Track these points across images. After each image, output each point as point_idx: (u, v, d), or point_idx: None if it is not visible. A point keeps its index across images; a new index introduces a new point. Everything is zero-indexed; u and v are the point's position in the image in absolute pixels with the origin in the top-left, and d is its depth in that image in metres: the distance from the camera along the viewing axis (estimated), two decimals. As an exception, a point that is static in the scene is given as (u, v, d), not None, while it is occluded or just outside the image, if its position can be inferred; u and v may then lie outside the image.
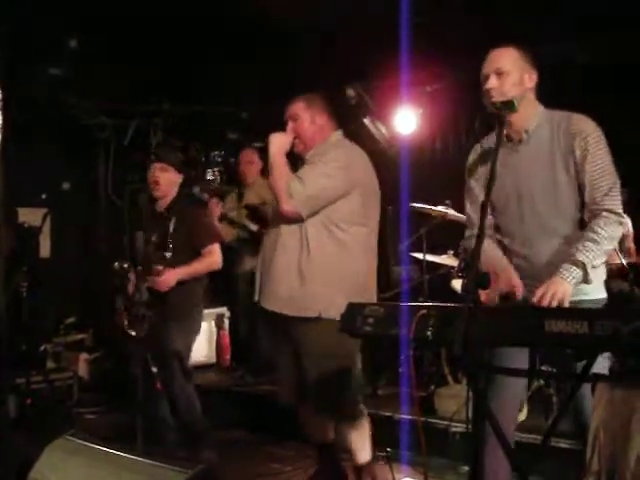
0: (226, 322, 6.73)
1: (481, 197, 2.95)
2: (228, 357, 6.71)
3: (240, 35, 5.84)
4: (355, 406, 3.50)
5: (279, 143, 3.55)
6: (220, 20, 5.66)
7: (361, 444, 3.53)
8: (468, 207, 3.10)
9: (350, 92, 5.99)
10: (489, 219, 2.97)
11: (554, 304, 2.60)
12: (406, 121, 6.10)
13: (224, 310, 6.72)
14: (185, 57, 6.12)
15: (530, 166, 2.88)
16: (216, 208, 5.58)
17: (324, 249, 3.39)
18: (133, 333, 4.10)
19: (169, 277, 4.17)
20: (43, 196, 4.62)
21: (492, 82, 2.85)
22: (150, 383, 4.00)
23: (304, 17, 5.48)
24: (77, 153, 6.96)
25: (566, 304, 2.62)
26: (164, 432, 4.31)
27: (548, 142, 2.85)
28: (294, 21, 5.52)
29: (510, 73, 2.85)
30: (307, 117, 3.56)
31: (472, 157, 3.10)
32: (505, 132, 2.89)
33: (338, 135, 3.63)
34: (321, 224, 3.40)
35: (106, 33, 5.68)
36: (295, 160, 3.66)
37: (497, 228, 3.02)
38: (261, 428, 5.22)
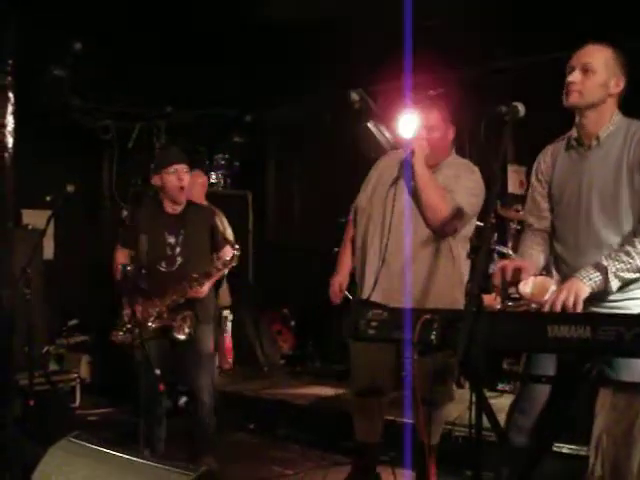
0: (229, 325, 6.73)
1: (541, 202, 2.92)
2: (230, 360, 6.72)
3: (244, 38, 5.85)
4: None
5: (423, 150, 3.43)
6: (224, 23, 5.67)
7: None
8: (527, 210, 3.02)
9: (354, 96, 5.97)
10: (547, 220, 2.90)
11: (569, 303, 2.49)
12: (409, 125, 6.09)
13: (226, 313, 6.72)
14: (189, 59, 6.13)
15: (594, 174, 2.72)
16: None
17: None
18: (119, 337, 4.14)
19: (206, 288, 4.19)
20: (48, 198, 4.62)
21: (576, 76, 2.68)
22: (153, 385, 3.99)
23: (307, 20, 5.49)
24: (81, 155, 6.96)
25: (580, 304, 2.50)
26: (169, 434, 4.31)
27: (618, 152, 2.69)
28: (297, 24, 5.53)
29: (597, 72, 2.67)
30: (442, 130, 3.57)
31: (541, 157, 2.97)
32: (577, 135, 2.79)
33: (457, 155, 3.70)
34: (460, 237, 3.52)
35: (110, 35, 5.69)
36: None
37: (553, 232, 2.89)
38: (263, 431, 5.23)
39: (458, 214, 3.36)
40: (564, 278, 2.72)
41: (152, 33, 5.71)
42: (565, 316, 2.38)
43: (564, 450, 3.72)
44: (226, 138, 7.31)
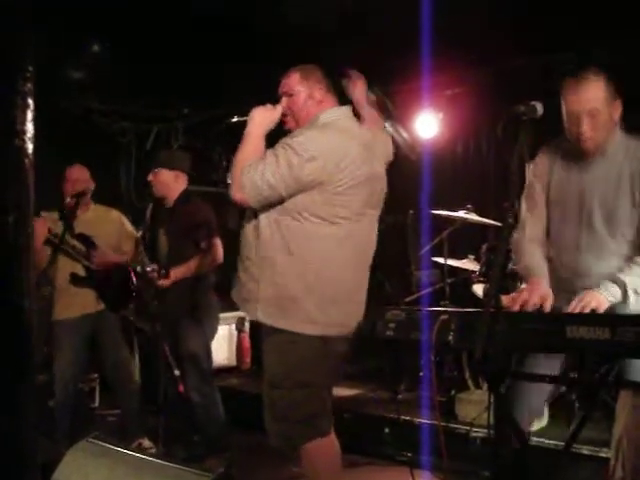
0: (247, 325, 6.74)
1: (540, 201, 2.96)
2: (248, 360, 6.73)
3: (261, 38, 5.85)
4: None
5: (261, 120, 3.12)
6: (242, 23, 5.68)
7: None
8: (524, 208, 3.02)
9: (371, 96, 5.97)
10: (542, 223, 2.94)
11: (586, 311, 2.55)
12: (427, 125, 6.09)
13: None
14: (206, 60, 6.14)
15: (596, 186, 2.82)
16: (43, 227, 4.46)
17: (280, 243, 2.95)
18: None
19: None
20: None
21: (585, 126, 2.71)
22: (174, 385, 4.02)
23: (324, 20, 5.48)
24: (99, 158, 7.00)
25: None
26: (189, 434, 4.33)
27: (618, 166, 2.79)
28: (314, 24, 5.52)
29: (602, 112, 2.72)
30: (304, 91, 3.18)
31: (538, 158, 3.02)
32: (578, 148, 2.83)
33: (332, 114, 3.16)
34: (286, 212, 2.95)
35: (128, 37, 5.71)
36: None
37: (548, 235, 2.95)
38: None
39: (251, 187, 2.96)
40: (558, 281, 2.82)
41: (169, 34, 5.73)
42: (584, 317, 2.38)
43: (584, 451, 3.70)
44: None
